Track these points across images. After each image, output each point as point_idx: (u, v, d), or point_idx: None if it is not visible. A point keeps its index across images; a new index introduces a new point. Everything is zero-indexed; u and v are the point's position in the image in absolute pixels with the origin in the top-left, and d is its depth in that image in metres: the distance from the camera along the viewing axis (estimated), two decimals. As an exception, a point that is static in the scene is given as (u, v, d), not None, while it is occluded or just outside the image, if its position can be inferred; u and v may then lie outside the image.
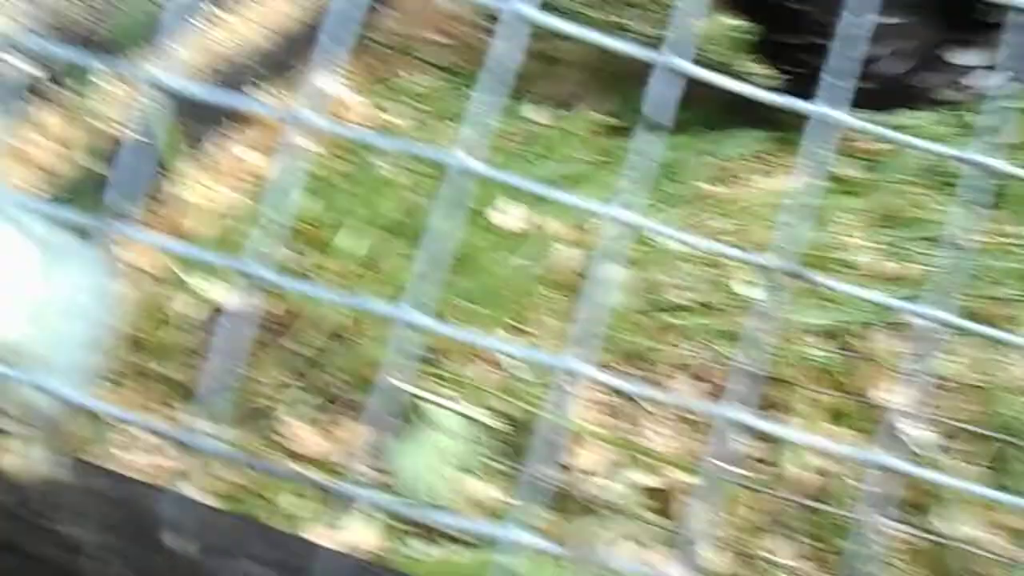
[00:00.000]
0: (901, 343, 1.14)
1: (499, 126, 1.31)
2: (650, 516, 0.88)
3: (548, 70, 1.49)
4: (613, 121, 1.39)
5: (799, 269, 0.40)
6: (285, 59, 1.26)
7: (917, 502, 0.93)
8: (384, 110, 1.29)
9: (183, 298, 0.91)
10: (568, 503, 0.88)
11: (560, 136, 1.28)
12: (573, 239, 1.14)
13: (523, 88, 1.42)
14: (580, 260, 1.12)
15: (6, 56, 0.93)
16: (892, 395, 1.06)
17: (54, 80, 0.96)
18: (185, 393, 0.84)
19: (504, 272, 1.02)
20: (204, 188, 1.08)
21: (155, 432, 0.47)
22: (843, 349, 1.12)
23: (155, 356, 0.84)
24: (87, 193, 0.91)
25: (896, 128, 0.43)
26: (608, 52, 0.40)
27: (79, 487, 0.58)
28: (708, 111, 1.43)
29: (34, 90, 0.93)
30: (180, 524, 0.58)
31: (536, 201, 1.18)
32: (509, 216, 1.10)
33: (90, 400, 0.42)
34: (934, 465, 1.00)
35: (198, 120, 1.11)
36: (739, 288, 1.14)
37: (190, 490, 0.76)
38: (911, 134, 0.46)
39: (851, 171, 1.38)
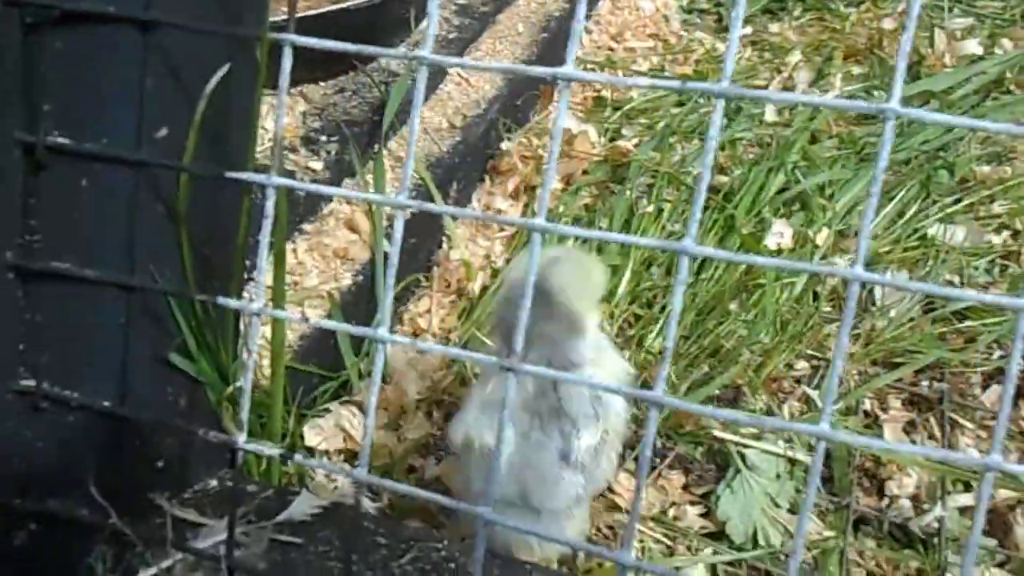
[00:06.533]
0: None
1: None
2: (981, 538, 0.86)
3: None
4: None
5: None
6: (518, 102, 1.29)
7: None
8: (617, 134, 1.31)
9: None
10: (897, 531, 0.87)
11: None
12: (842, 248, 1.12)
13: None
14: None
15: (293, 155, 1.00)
16: None
17: (337, 169, 1.03)
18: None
19: (785, 295, 1.02)
20: (475, 245, 1.13)
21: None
22: None
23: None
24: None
25: None
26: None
27: None
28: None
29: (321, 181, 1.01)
30: None
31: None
32: (784, 237, 1.08)
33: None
34: None
35: (459, 179, 1.16)
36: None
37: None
38: None
39: None
